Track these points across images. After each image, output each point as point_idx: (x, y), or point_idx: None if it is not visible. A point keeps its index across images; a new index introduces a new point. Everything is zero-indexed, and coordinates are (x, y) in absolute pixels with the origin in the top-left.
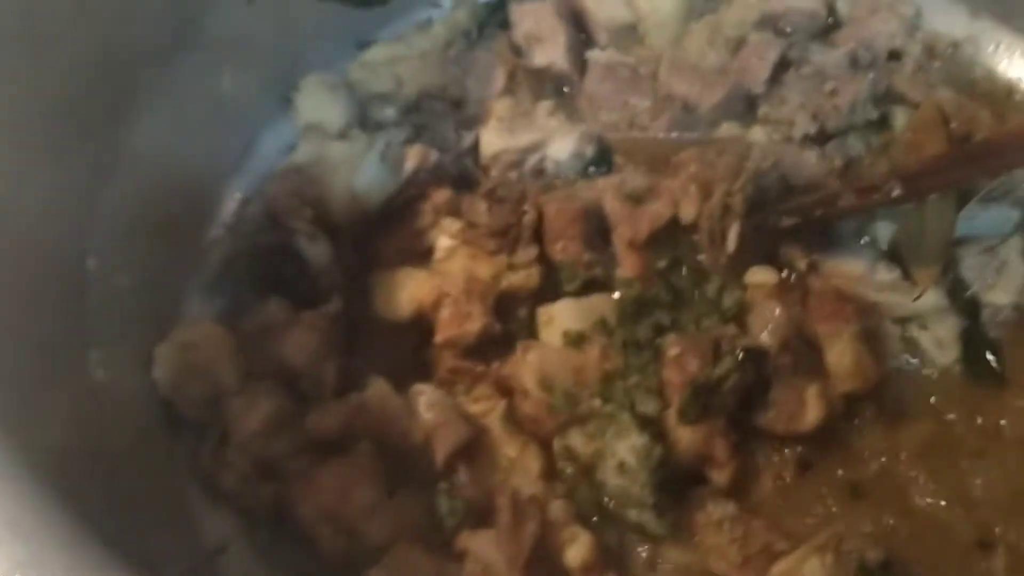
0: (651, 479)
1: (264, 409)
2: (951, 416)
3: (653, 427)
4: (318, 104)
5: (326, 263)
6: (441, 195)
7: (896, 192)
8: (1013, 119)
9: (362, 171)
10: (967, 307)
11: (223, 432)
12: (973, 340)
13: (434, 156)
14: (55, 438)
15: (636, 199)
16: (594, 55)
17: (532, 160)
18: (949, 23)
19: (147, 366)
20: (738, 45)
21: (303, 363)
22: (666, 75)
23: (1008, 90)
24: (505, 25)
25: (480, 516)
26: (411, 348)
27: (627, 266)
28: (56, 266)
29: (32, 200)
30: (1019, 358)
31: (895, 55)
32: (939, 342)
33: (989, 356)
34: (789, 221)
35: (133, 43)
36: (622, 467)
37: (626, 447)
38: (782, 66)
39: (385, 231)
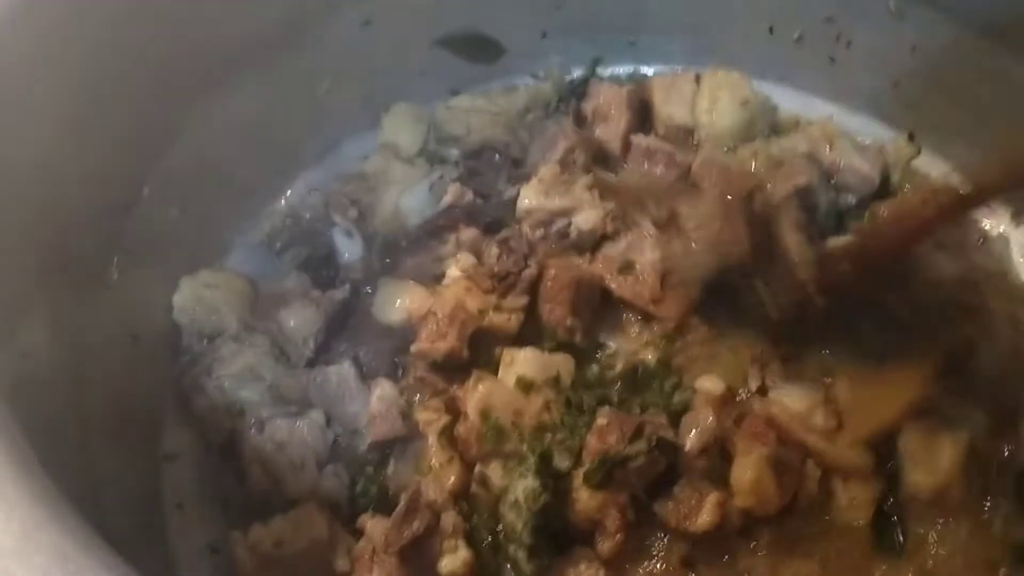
0: (532, 521)
1: (248, 358)
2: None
3: (559, 480)
4: (400, 128)
5: (353, 259)
6: (467, 233)
7: None
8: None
9: (411, 193)
10: (891, 476)
11: (209, 365)
12: (885, 510)
13: (468, 196)
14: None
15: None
16: (637, 138)
17: (559, 224)
18: (989, 216)
19: (166, 288)
20: (776, 165)
21: (295, 331)
22: (698, 167)
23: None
24: (582, 97)
25: (387, 507)
26: (391, 349)
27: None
28: (113, 180)
29: (115, 127)
30: (922, 541)
31: None
32: (853, 500)
33: (898, 530)
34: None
35: (243, 35)
36: (516, 504)
37: (522, 487)
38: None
39: (412, 248)
